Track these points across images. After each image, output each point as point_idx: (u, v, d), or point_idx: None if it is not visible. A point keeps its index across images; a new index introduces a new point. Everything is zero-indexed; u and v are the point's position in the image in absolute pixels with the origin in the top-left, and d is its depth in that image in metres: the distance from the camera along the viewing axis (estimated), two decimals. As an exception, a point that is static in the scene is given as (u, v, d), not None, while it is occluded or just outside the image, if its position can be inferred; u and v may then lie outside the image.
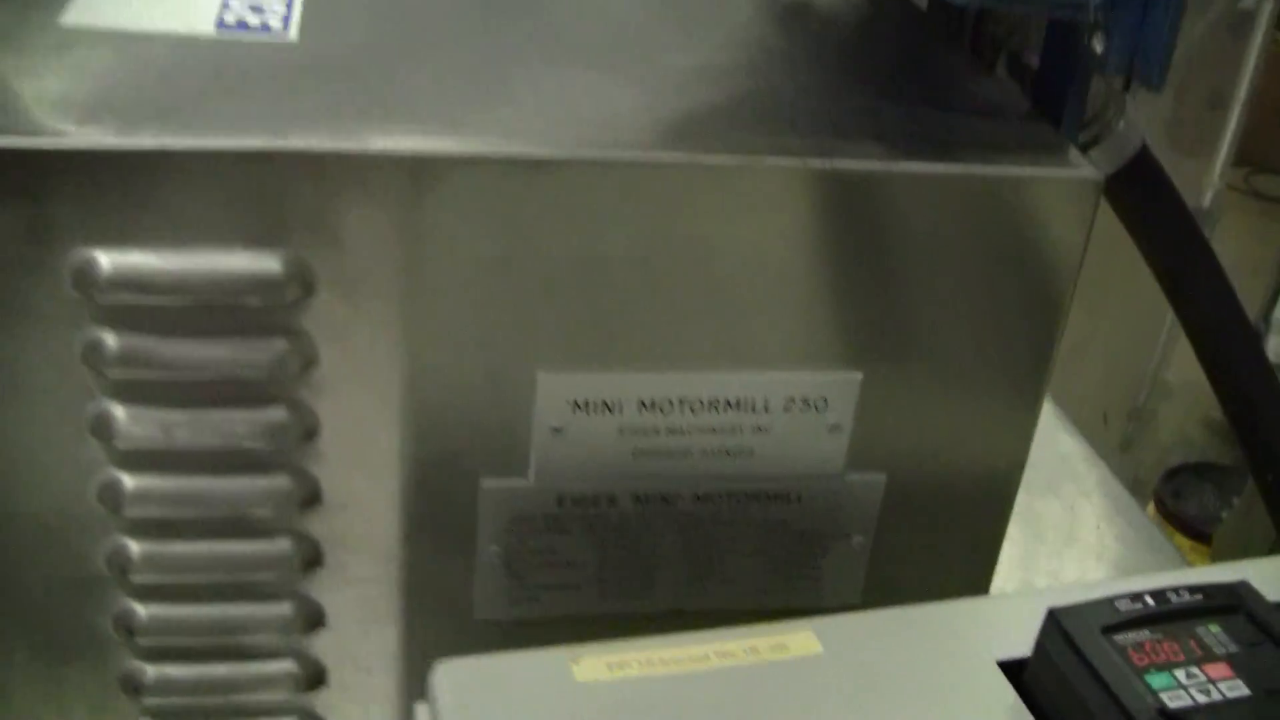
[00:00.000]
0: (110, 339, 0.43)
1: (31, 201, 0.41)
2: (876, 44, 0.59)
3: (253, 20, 0.50)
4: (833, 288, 0.47)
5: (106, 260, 0.42)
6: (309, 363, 0.44)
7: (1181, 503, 1.56)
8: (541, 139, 0.44)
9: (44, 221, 0.41)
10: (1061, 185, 0.46)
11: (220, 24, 0.49)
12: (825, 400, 0.48)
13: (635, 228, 0.44)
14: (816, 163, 0.44)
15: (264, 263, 0.43)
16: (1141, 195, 0.56)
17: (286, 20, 0.50)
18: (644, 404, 0.47)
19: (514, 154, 0.43)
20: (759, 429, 0.48)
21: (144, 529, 0.46)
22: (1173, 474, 1.63)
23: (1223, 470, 1.58)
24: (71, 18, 0.48)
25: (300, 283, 0.43)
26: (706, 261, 0.45)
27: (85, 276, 0.42)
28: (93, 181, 0.41)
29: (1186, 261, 0.56)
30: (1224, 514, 1.42)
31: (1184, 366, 1.55)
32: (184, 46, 0.48)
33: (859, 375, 0.48)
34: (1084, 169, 0.47)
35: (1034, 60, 0.56)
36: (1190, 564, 0.76)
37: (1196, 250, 0.56)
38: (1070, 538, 0.57)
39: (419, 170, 0.42)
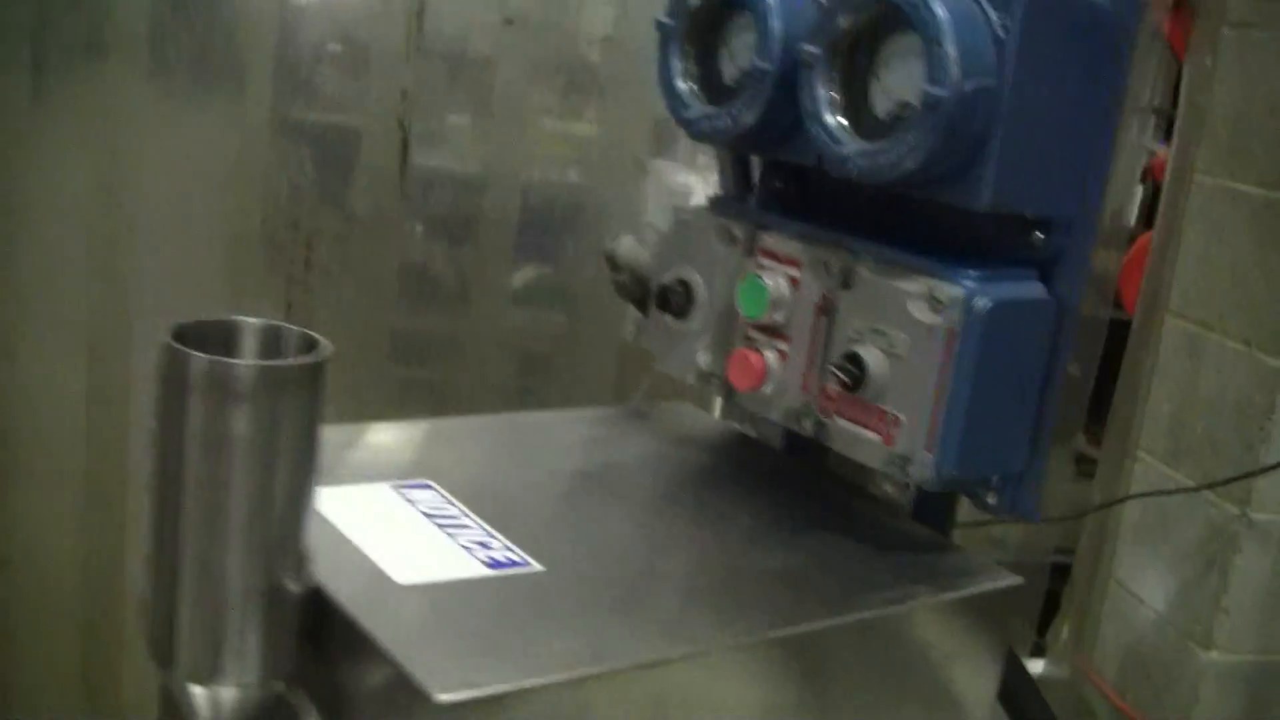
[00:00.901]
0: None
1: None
2: (767, 495, 0.88)
3: (500, 556, 0.70)
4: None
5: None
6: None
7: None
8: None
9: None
10: (1000, 593, 0.79)
11: (484, 564, 0.69)
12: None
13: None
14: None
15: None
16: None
17: (512, 549, 0.71)
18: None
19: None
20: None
21: None
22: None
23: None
24: (398, 576, 0.66)
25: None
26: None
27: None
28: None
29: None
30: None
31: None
32: (488, 587, 0.67)
33: (907, 725, 0.77)
34: (1010, 578, 0.79)
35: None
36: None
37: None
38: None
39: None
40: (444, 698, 0.56)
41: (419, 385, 1.46)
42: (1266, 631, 1.57)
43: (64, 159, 1.14)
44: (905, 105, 0.75)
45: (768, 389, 0.82)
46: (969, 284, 0.74)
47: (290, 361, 0.60)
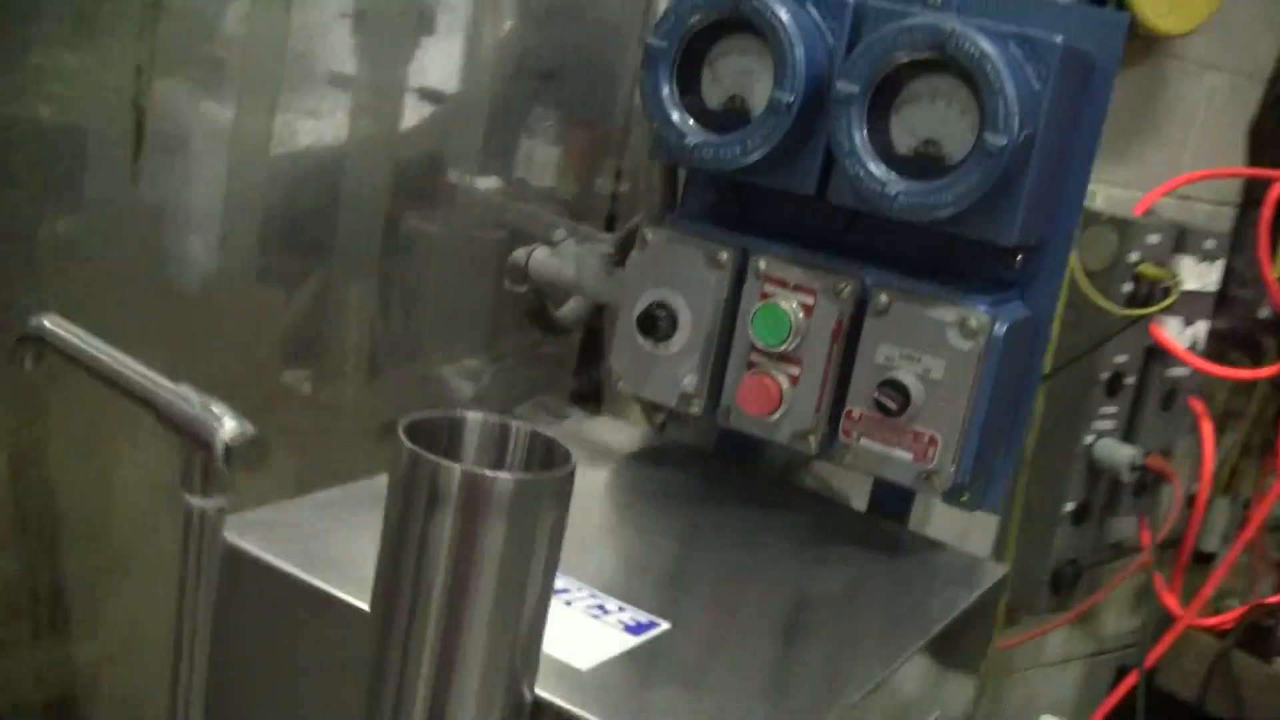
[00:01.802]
0: None
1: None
2: (755, 509, 0.91)
3: (627, 620, 0.69)
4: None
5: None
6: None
7: None
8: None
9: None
10: (999, 583, 0.87)
11: (625, 631, 0.67)
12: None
13: None
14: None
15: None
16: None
17: (626, 608, 0.70)
18: None
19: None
20: None
21: None
22: None
23: None
24: (576, 662, 0.63)
25: None
26: None
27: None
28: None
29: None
30: None
31: None
32: (647, 655, 0.66)
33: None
34: (1000, 567, 0.87)
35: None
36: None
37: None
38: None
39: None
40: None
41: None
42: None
43: None
44: (929, 143, 0.79)
45: (778, 413, 0.84)
46: (990, 310, 0.80)
47: (550, 474, 0.55)
